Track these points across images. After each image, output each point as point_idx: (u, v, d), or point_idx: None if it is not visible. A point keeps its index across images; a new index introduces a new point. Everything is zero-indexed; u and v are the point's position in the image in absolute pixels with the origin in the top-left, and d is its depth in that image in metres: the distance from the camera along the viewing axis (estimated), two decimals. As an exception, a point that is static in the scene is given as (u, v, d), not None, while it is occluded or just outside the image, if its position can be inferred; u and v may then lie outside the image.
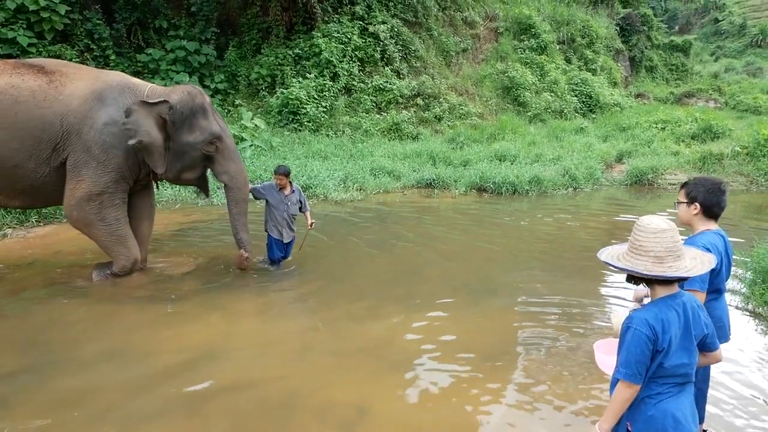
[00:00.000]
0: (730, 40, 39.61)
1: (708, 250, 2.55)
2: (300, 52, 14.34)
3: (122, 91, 5.27)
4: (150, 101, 5.12)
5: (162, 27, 13.55)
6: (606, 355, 2.68)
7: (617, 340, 2.83)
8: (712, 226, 2.81)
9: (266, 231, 6.04)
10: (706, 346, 2.22)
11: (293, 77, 13.81)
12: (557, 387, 3.76)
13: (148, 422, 3.34)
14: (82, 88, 5.16)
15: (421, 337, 4.53)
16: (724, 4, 42.70)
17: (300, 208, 6.09)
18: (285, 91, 13.34)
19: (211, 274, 5.86)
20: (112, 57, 12.53)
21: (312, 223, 6.17)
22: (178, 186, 9.43)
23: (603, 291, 5.70)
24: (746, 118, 19.35)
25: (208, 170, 5.73)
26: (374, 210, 9.27)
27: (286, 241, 6.02)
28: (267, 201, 5.95)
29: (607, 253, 2.19)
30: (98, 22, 12.40)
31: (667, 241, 2.04)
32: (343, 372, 4.00)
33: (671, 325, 2.07)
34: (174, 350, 4.26)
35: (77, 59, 11.65)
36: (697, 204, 2.78)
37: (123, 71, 11.42)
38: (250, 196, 5.90)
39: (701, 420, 3.02)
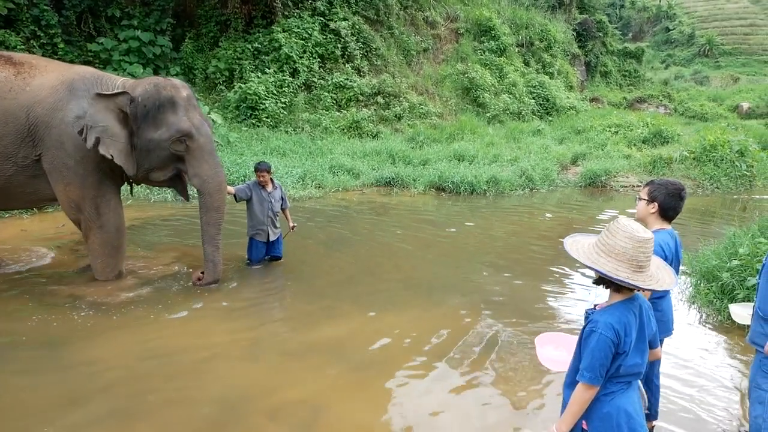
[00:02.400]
0: (680, 49, 41.18)
1: (660, 247, 2.73)
2: (259, 46, 14.10)
3: (94, 83, 4.92)
4: (106, 93, 4.73)
5: (115, 16, 13.07)
6: (544, 349, 2.70)
7: (558, 334, 2.85)
8: (666, 226, 2.93)
9: (248, 234, 5.83)
10: (649, 344, 2.27)
11: (252, 72, 13.57)
12: (512, 385, 3.79)
13: (89, 428, 3.20)
14: (52, 80, 4.83)
15: (378, 337, 4.49)
16: (674, 14, 44.33)
17: (281, 205, 5.94)
18: (243, 85, 13.10)
19: (164, 273, 5.66)
20: (61, 45, 12.01)
21: (293, 226, 6.05)
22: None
23: (557, 289, 5.78)
24: (693, 124, 20.15)
25: None
26: (333, 208, 9.19)
27: (272, 239, 5.87)
28: (248, 201, 5.75)
29: (576, 251, 2.15)
30: (45, 8, 11.85)
31: (648, 249, 2.04)
32: (298, 372, 3.92)
33: (632, 329, 2.10)
34: (119, 352, 4.09)
35: (22, 47, 11.12)
36: (656, 204, 2.91)
37: (72, 61, 11.01)
38: (232, 198, 5.62)
39: (656, 416, 3.10)
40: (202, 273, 5.23)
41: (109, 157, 4.68)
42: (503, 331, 4.63)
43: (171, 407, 3.43)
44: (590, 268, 2.10)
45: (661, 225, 2.93)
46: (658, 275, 2.10)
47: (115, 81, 5.04)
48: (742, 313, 3.22)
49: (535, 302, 5.40)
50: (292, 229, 6.06)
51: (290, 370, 3.96)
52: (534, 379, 3.86)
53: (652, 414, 3.05)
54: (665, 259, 2.72)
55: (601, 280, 2.14)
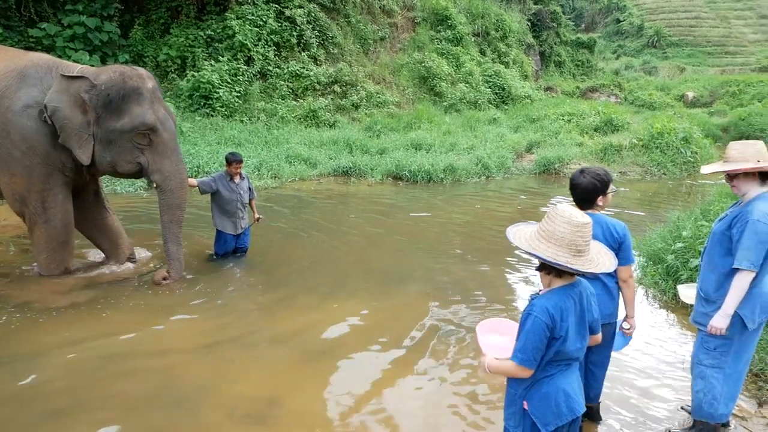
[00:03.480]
0: (630, 40, 42.31)
1: None
2: (212, 33, 13.78)
3: (48, 71, 4.69)
4: (67, 74, 4.56)
5: (58, 0, 12.52)
6: (485, 336, 2.73)
7: (500, 320, 2.88)
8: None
9: (216, 227, 5.67)
10: (590, 330, 2.31)
11: (205, 60, 13.26)
12: (467, 372, 3.83)
13: (40, 425, 3.09)
14: (2, 68, 4.61)
15: (335, 327, 4.48)
16: (625, 5, 45.45)
17: (249, 196, 5.80)
18: (196, 74, 12.79)
19: (115, 269, 5.45)
20: None
21: (258, 218, 5.92)
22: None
23: (511, 275, 5.89)
24: (642, 112, 20.79)
25: None
26: (289, 198, 9.10)
27: (239, 231, 5.72)
28: (214, 194, 5.56)
29: (519, 239, 2.18)
30: (-18, -10, 11.27)
31: (587, 234, 2.08)
32: (254, 365, 3.88)
33: (569, 314, 2.14)
34: (65, 351, 3.95)
35: (-43, 31, 10.54)
36: None
37: (12, 47, 10.48)
38: (196, 190, 5.46)
39: (596, 399, 3.17)
40: (167, 271, 5.09)
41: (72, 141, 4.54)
42: (460, 318, 4.68)
43: (120, 405, 3.35)
44: (530, 254, 2.13)
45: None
46: (598, 260, 2.15)
47: (73, 69, 4.79)
48: (689, 293, 3.33)
49: (490, 289, 5.47)
50: (257, 221, 5.94)
51: (246, 363, 3.91)
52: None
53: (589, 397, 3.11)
54: None
55: (543, 266, 2.18)
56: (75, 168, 4.86)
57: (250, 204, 5.87)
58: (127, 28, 13.63)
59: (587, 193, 2.86)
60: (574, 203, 2.92)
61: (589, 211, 2.89)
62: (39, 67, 4.70)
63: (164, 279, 5.06)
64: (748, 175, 2.85)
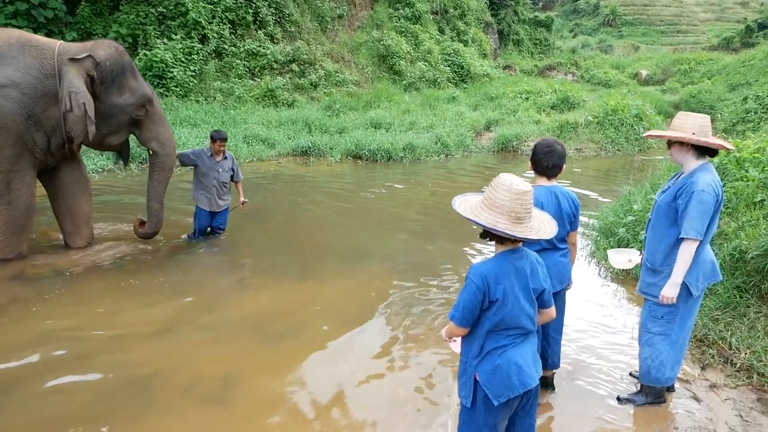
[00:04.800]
0: (586, 19, 42.92)
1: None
2: (164, 10, 13.30)
3: (23, 48, 4.56)
4: (77, 57, 4.58)
5: (-3, -26, 11.86)
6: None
7: None
8: (545, 182, 3.02)
9: (194, 200, 5.72)
10: (541, 303, 2.34)
11: (157, 38, 12.82)
12: (425, 352, 3.83)
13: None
14: None
15: (294, 307, 4.48)
16: (581, -16, 45.99)
17: (232, 177, 5.78)
18: (148, 52, 12.35)
19: (69, 251, 5.33)
20: (-67, 6, 10.79)
21: (244, 201, 5.89)
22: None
23: (470, 251, 5.97)
24: (598, 90, 21.20)
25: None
26: (247, 179, 8.93)
27: (215, 210, 5.71)
28: (195, 167, 5.62)
29: (464, 207, 2.21)
30: None
31: (527, 202, 2.12)
32: (211, 346, 3.84)
33: (505, 278, 2.18)
34: (23, 336, 3.84)
35: None
36: (531, 162, 3.04)
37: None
38: (177, 163, 5.60)
39: (555, 365, 3.26)
40: (138, 219, 5.45)
41: (92, 126, 4.66)
42: (420, 295, 4.72)
43: (76, 387, 3.28)
44: (471, 221, 2.17)
45: (540, 182, 3.02)
46: (540, 227, 2.20)
47: (51, 45, 4.71)
48: (618, 258, 3.43)
49: (450, 265, 5.53)
50: (243, 204, 5.90)
51: (203, 344, 3.87)
52: (444, 345, 3.95)
53: (550, 363, 3.21)
54: None
55: (486, 233, 2.22)
56: (46, 149, 4.82)
57: (236, 187, 5.89)
58: (74, 5, 13.01)
59: (563, 158, 2.99)
60: (542, 172, 3.00)
61: (554, 183, 3.02)
62: (12, 45, 4.58)
63: (141, 225, 5.43)
64: (683, 146, 2.94)
